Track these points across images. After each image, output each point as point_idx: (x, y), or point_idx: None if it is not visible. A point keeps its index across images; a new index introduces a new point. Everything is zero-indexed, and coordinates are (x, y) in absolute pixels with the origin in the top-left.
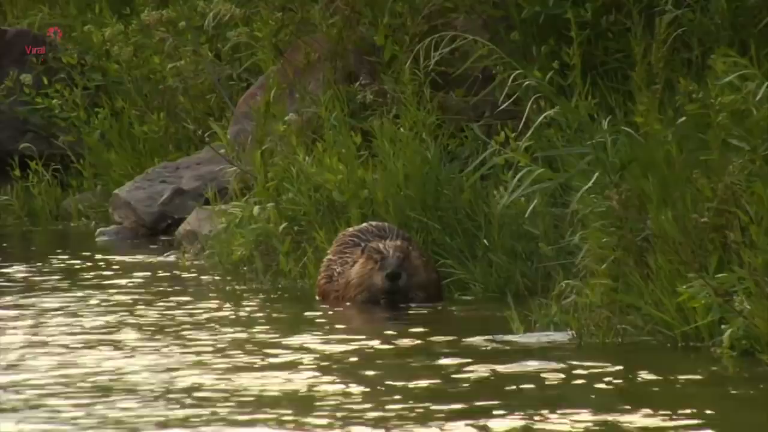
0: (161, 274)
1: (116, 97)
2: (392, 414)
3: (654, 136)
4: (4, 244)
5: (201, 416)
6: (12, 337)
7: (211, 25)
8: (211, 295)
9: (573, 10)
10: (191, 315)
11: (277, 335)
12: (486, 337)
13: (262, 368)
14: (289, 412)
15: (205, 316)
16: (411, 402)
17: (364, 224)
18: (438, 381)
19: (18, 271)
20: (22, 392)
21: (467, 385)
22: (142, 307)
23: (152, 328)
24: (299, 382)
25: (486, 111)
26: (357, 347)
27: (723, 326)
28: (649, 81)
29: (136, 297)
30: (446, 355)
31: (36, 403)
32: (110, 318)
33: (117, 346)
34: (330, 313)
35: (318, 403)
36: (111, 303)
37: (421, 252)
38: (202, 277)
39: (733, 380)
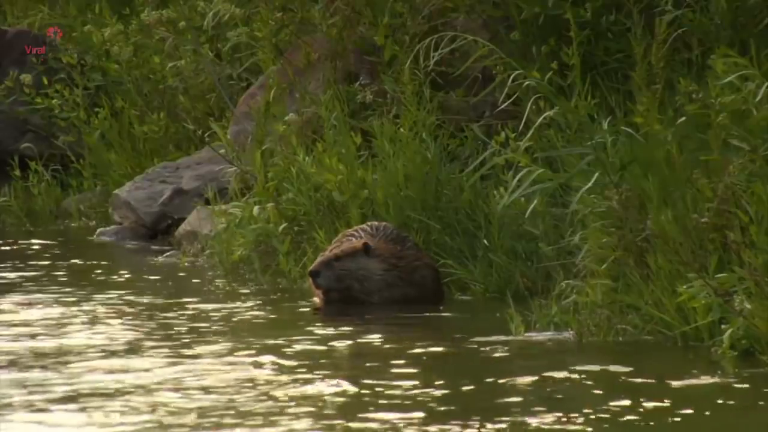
0: (161, 274)
1: (116, 97)
2: (390, 414)
3: (654, 136)
4: (4, 245)
5: (202, 418)
6: (12, 338)
7: (211, 25)
8: (211, 295)
9: (573, 10)
10: (191, 315)
11: (277, 336)
12: (486, 338)
13: (260, 369)
14: (286, 413)
15: (205, 316)
16: (409, 402)
17: (365, 224)
18: (436, 381)
19: (18, 271)
20: (25, 393)
21: (466, 385)
22: (142, 307)
23: (152, 329)
24: (297, 383)
25: (486, 111)
26: (354, 347)
27: (723, 326)
28: (649, 81)
29: (136, 297)
30: (445, 355)
31: (39, 406)
32: (109, 318)
33: (116, 346)
34: (326, 313)
35: (316, 405)
36: (111, 303)
37: (416, 251)
38: (202, 277)
39: (733, 380)
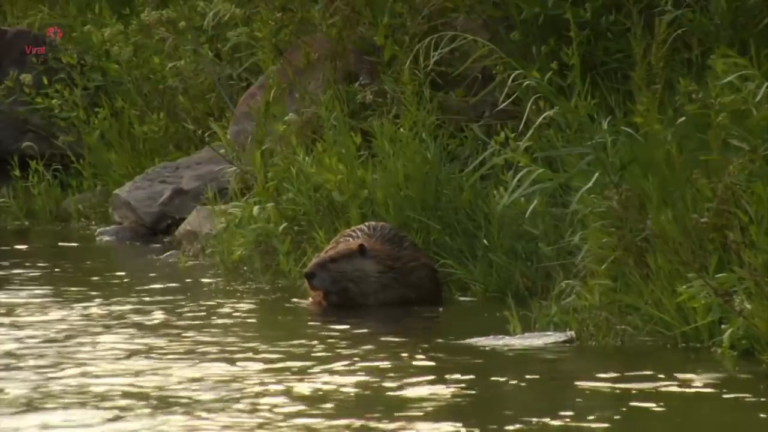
0: (161, 274)
1: (116, 97)
2: (390, 414)
3: (654, 136)
4: (4, 245)
5: (208, 418)
6: (12, 339)
7: (211, 25)
8: (211, 295)
9: (572, 10)
10: (191, 315)
11: (277, 336)
12: (485, 338)
13: (261, 369)
14: (285, 415)
15: (205, 316)
16: (409, 403)
17: (363, 224)
18: (435, 382)
19: (17, 271)
20: (29, 394)
21: (465, 386)
22: (142, 307)
23: (152, 329)
24: (297, 383)
25: (486, 111)
26: (354, 349)
27: (723, 326)
28: (649, 81)
29: (136, 297)
30: (444, 356)
31: (39, 405)
32: (110, 319)
33: (117, 346)
34: (324, 314)
35: (316, 405)
36: (110, 303)
37: (414, 251)
38: (202, 277)
39: (733, 380)
